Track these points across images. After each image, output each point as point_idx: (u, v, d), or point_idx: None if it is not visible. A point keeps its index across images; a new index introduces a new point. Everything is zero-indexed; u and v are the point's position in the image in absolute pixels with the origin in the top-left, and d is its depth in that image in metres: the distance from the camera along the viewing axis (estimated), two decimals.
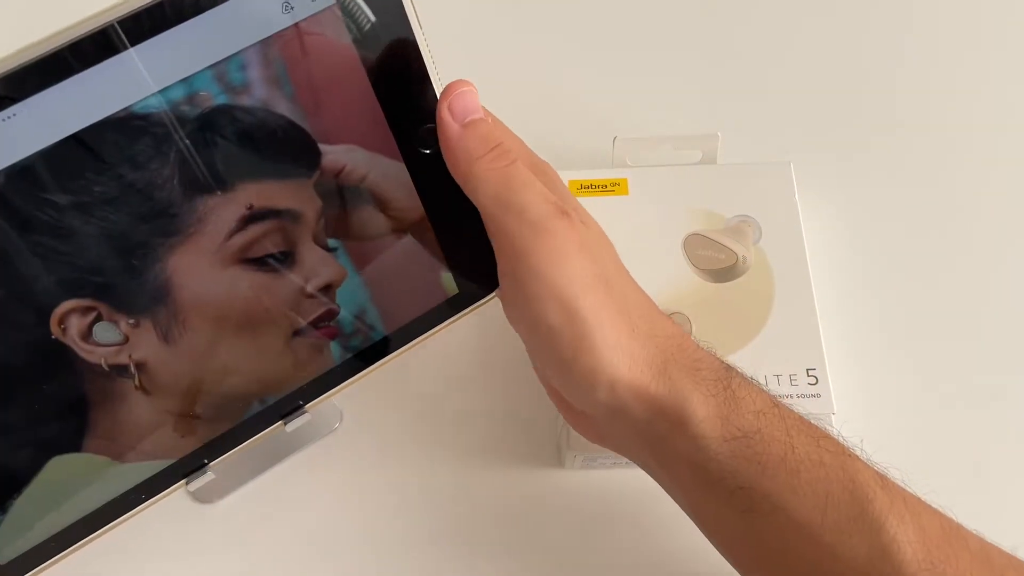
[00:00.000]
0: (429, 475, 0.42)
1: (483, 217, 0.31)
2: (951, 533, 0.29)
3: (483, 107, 0.32)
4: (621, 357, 0.30)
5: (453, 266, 0.35)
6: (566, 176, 0.43)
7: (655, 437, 0.31)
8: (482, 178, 0.31)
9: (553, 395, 0.36)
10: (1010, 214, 0.47)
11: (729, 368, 0.32)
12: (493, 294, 0.35)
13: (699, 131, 0.44)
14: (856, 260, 0.46)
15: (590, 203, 0.42)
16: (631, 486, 0.41)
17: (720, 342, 0.39)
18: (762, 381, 0.38)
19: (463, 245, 0.34)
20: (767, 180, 0.42)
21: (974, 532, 0.30)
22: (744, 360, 0.38)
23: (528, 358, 0.43)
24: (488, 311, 0.45)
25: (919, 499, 0.31)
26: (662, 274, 0.40)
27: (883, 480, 0.30)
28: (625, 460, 0.39)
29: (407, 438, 0.42)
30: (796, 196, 0.42)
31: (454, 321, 0.36)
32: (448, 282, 0.35)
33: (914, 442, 0.42)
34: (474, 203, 0.31)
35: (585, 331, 0.30)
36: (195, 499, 0.41)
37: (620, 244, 0.41)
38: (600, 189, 0.42)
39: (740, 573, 0.32)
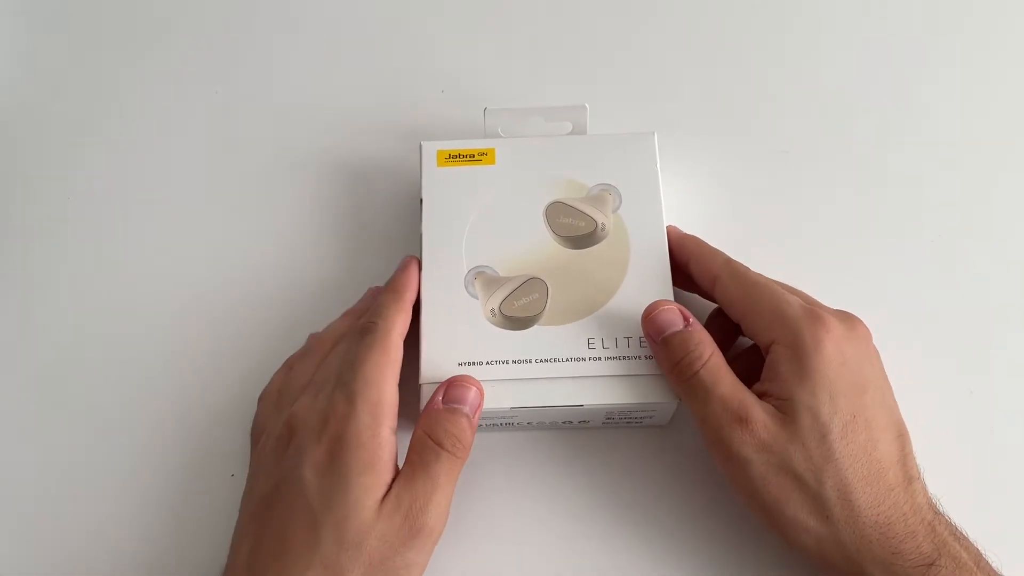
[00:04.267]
0: None
1: None
2: None
3: (681, 311, 0.38)
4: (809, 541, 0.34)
5: None
6: (434, 147, 0.44)
7: None
8: (675, 389, 0.38)
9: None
10: (870, 192, 0.48)
11: (937, 554, 0.33)
12: None
13: (568, 102, 0.45)
14: (715, 228, 0.47)
15: (457, 173, 0.43)
16: (632, 486, 0.42)
17: (575, 306, 0.41)
18: (614, 341, 0.40)
19: None
20: (631, 150, 0.44)
21: None
22: (600, 322, 0.40)
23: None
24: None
25: None
26: (522, 241, 0.42)
27: None
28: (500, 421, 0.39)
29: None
30: (657, 165, 0.43)
31: None
32: None
33: (915, 440, 0.42)
34: None
35: (776, 515, 0.35)
36: None
37: (483, 213, 0.42)
38: (467, 159, 0.43)
39: None
